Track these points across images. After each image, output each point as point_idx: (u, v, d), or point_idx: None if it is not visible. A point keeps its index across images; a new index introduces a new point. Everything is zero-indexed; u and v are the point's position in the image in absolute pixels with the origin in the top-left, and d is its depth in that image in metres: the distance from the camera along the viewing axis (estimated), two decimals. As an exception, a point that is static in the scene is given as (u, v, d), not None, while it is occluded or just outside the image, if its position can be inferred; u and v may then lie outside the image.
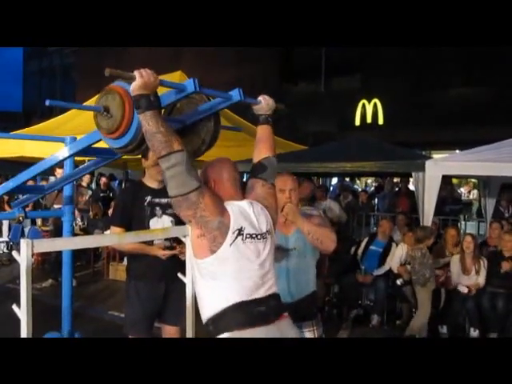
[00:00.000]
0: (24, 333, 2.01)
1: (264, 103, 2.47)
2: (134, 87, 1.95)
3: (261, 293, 2.17)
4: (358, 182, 16.56)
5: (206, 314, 2.17)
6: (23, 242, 1.94)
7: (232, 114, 10.53)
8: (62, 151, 2.84)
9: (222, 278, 2.11)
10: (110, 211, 10.01)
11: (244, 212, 2.20)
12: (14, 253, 2.07)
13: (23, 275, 2.00)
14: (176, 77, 9.83)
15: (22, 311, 2.03)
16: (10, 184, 3.01)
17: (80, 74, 26.58)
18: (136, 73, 1.95)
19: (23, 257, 1.96)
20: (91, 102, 10.31)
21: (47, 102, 2.20)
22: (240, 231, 2.12)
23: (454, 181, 11.70)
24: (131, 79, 1.96)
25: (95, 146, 2.61)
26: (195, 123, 2.47)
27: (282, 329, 2.20)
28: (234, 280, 2.11)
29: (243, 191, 2.39)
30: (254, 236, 2.18)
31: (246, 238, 2.14)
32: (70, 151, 2.80)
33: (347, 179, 13.55)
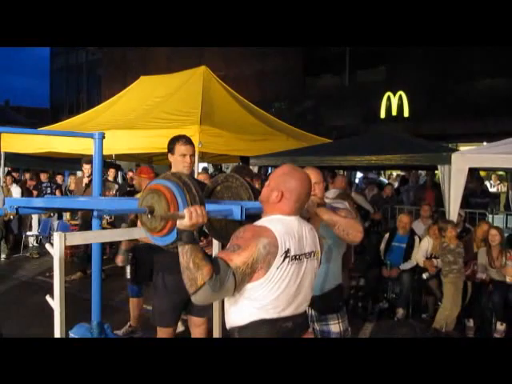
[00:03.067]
0: (57, 323, 2.08)
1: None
2: (182, 224, 1.97)
3: (291, 310, 2.17)
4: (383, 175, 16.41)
5: (232, 322, 2.19)
6: (56, 235, 2.00)
7: (257, 108, 10.55)
8: (95, 204, 2.89)
9: (257, 297, 2.09)
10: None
11: (290, 231, 2.15)
12: (48, 245, 2.14)
13: (56, 267, 2.06)
14: (200, 72, 9.88)
15: (56, 302, 2.09)
16: (41, 203, 3.09)
17: (105, 70, 26.85)
18: (186, 213, 1.96)
19: (56, 249, 2.02)
20: (116, 98, 10.44)
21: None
22: (287, 253, 2.09)
23: (482, 173, 11.52)
24: (182, 218, 1.97)
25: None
26: None
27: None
28: (269, 300, 2.10)
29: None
30: (298, 257, 2.14)
31: (292, 259, 2.11)
32: (105, 209, 2.85)
33: (373, 172, 13.44)
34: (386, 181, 14.40)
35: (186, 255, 1.97)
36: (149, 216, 2.13)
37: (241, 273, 1.99)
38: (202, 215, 1.97)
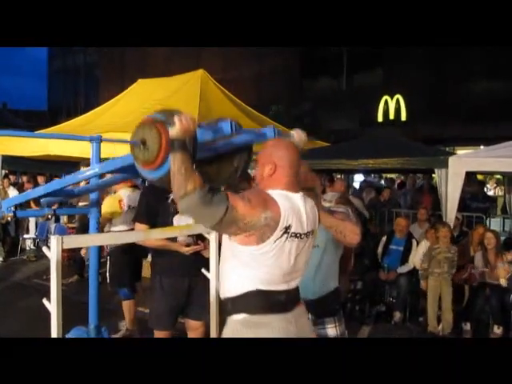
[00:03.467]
0: (54, 326, 2.08)
1: (297, 137, 2.52)
2: (172, 132, 2.01)
3: (285, 285, 2.23)
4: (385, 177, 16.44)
5: (228, 293, 2.23)
6: (53, 238, 2.00)
7: (254, 112, 10.57)
8: (93, 169, 2.92)
9: (254, 267, 2.15)
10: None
11: (295, 207, 2.19)
12: (45, 248, 2.14)
13: (53, 270, 2.06)
14: (198, 75, 9.90)
15: (53, 305, 2.09)
16: (42, 190, 3.10)
17: (103, 72, 26.87)
18: (176, 119, 2.00)
19: (53, 252, 2.02)
20: (113, 101, 10.45)
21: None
22: (287, 229, 2.13)
23: (479, 177, 11.55)
24: (173, 124, 2.01)
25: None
26: (229, 152, 2.47)
27: (296, 316, 2.28)
28: (265, 271, 2.15)
29: None
30: (298, 235, 2.19)
31: (291, 236, 2.16)
32: (101, 170, 2.88)
33: (373, 176, 13.47)
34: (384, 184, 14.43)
35: (177, 161, 2.00)
36: (141, 148, 2.17)
37: (233, 216, 2.02)
38: (192, 120, 2.02)
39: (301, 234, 2.20)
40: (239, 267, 2.18)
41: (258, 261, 2.13)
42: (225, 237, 2.24)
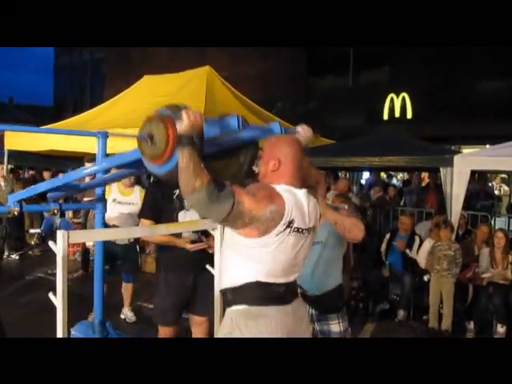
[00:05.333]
0: (60, 320, 2.09)
1: (302, 133, 2.53)
2: (180, 127, 2.02)
3: (284, 278, 2.25)
4: (398, 176, 16.45)
5: (227, 283, 2.25)
6: (59, 233, 2.02)
7: (260, 108, 10.57)
8: (99, 164, 2.93)
9: (254, 258, 2.17)
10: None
11: (299, 203, 2.22)
12: (51, 243, 2.15)
13: (59, 265, 2.07)
14: (204, 72, 9.89)
15: (58, 299, 2.11)
16: (48, 184, 3.12)
17: (109, 68, 26.87)
18: (183, 113, 2.01)
19: (59, 247, 2.03)
20: (119, 97, 10.46)
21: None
22: (290, 223, 2.15)
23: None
24: (180, 119, 2.02)
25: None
26: (235, 147, 2.48)
27: (294, 309, 2.30)
28: (265, 264, 2.17)
29: None
30: (300, 230, 2.21)
31: (293, 230, 2.18)
32: (108, 165, 2.91)
33: (384, 174, 13.44)
34: (396, 183, 14.40)
35: (185, 157, 2.00)
36: (149, 142, 2.17)
37: (240, 210, 2.04)
38: (199, 115, 2.03)
39: (303, 230, 2.22)
40: (240, 258, 2.20)
41: (259, 253, 2.15)
42: (227, 228, 2.25)
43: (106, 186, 4.26)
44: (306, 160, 2.36)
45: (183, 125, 2.01)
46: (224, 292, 2.27)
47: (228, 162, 2.46)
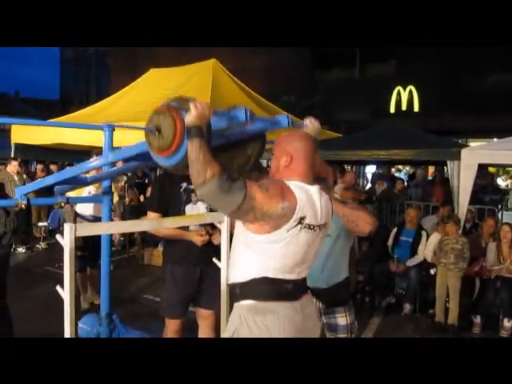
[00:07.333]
0: (67, 313, 2.10)
1: (310, 126, 2.53)
2: (188, 118, 2.02)
3: (294, 275, 2.24)
4: (405, 170, 16.40)
5: (236, 278, 2.25)
6: (67, 226, 2.02)
7: (265, 101, 10.55)
8: (106, 157, 2.94)
9: (265, 254, 2.16)
10: (143, 197, 10.20)
11: (311, 200, 2.19)
12: (58, 236, 2.15)
13: (67, 258, 2.08)
14: (210, 65, 9.88)
15: (66, 292, 2.11)
16: (55, 177, 3.13)
17: (114, 62, 26.87)
18: (191, 105, 2.01)
19: (67, 240, 2.04)
20: (125, 90, 10.46)
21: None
22: (301, 220, 2.13)
23: (491, 169, 11.46)
24: (188, 110, 2.02)
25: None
26: (242, 140, 2.47)
27: (303, 305, 2.29)
28: (275, 259, 2.16)
29: None
30: (311, 227, 2.19)
31: (305, 227, 2.16)
32: (115, 158, 2.91)
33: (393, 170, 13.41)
34: (403, 176, 14.34)
35: (195, 148, 1.99)
36: (156, 134, 2.17)
37: (251, 204, 2.01)
38: (207, 106, 2.03)
39: (314, 226, 2.20)
40: (250, 254, 2.19)
41: (269, 249, 2.14)
42: (238, 223, 2.24)
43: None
44: (317, 154, 2.36)
45: (191, 116, 2.00)
46: (233, 286, 2.28)
47: (235, 154, 2.45)
